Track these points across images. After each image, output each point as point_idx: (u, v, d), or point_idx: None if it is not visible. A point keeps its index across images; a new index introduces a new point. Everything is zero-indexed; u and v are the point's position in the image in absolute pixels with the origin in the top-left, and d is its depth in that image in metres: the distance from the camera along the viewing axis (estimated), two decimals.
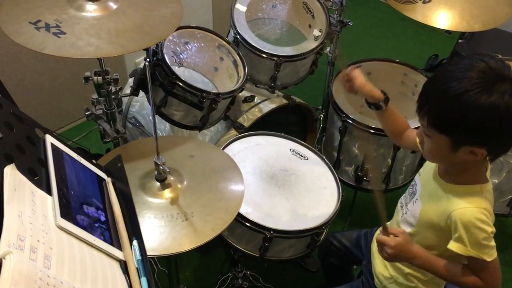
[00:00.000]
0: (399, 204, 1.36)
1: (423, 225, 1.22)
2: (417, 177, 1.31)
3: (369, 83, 1.35)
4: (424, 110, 1.04)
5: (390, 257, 1.17)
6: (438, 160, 1.18)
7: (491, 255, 1.10)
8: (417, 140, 1.33)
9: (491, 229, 1.09)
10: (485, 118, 0.96)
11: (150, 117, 1.99)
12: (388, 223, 1.43)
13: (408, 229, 1.26)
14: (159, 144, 1.18)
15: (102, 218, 0.82)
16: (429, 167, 1.26)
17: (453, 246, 1.11)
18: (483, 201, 1.10)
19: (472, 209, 1.09)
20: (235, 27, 1.89)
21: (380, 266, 1.37)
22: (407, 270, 1.29)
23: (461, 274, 1.15)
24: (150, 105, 1.47)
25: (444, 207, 1.14)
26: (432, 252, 1.22)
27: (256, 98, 1.99)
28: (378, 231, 1.46)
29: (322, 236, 1.61)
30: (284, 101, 1.99)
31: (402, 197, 1.36)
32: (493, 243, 1.10)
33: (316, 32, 1.99)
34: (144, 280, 0.73)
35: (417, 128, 1.62)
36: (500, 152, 1.07)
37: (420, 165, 1.38)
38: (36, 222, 0.65)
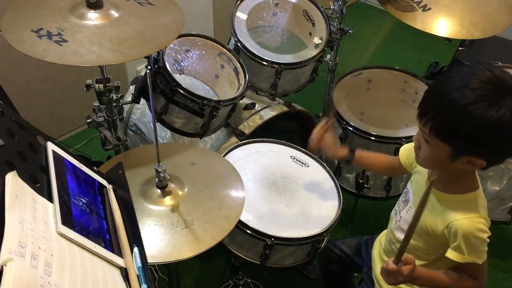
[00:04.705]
0: (393, 212, 1.37)
1: (417, 233, 1.21)
2: (409, 185, 1.31)
3: (334, 146, 1.46)
4: (427, 117, 1.03)
5: (400, 283, 1.15)
6: (432, 167, 1.18)
7: (482, 258, 1.12)
8: (400, 158, 1.35)
9: (487, 234, 1.11)
10: (492, 131, 0.96)
11: (151, 125, 2.00)
12: (384, 231, 1.44)
13: (402, 236, 1.26)
14: (160, 151, 1.18)
15: (103, 225, 0.82)
16: (420, 174, 1.26)
17: (451, 254, 1.12)
18: (478, 209, 1.11)
19: (470, 220, 1.10)
20: (236, 35, 1.90)
21: None
22: None
23: (460, 281, 1.17)
24: (151, 112, 1.48)
25: (440, 217, 1.14)
26: (426, 256, 1.23)
27: (256, 105, 1.99)
28: (381, 235, 1.46)
29: (323, 243, 1.60)
30: (285, 109, 2.00)
31: (396, 204, 1.36)
32: (486, 247, 1.12)
33: (316, 40, 1.99)
34: (144, 287, 0.73)
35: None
36: (496, 163, 1.08)
37: None
38: (37, 229, 0.65)
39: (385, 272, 1.14)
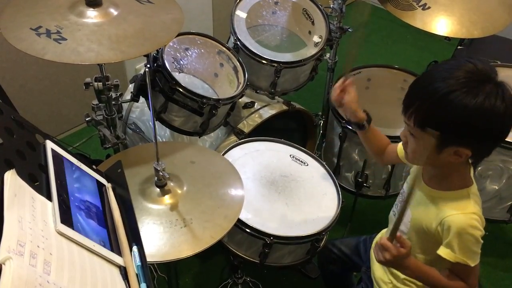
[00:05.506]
0: (391, 213, 1.37)
1: (415, 232, 1.22)
2: (405, 185, 1.32)
3: (356, 103, 1.36)
4: (411, 110, 1.04)
5: (385, 262, 1.13)
6: (421, 162, 1.18)
7: (475, 261, 1.11)
8: (398, 148, 1.35)
9: (481, 233, 1.10)
10: (471, 118, 0.98)
11: (150, 123, 2.00)
12: (384, 230, 1.44)
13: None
14: (159, 150, 1.18)
15: (102, 224, 0.82)
16: (415, 174, 1.26)
17: (442, 251, 1.12)
18: (472, 205, 1.11)
19: (463, 216, 1.09)
20: (235, 33, 1.90)
21: (379, 271, 1.37)
22: (403, 275, 1.29)
23: (447, 281, 1.16)
24: (150, 111, 1.48)
25: (433, 214, 1.14)
26: (423, 256, 1.23)
27: (256, 104, 1.99)
28: (379, 235, 1.46)
29: (322, 242, 1.60)
30: (284, 107, 2.00)
31: (394, 205, 1.36)
32: (479, 249, 1.11)
33: (316, 39, 1.99)
34: (143, 286, 0.73)
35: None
36: (484, 154, 1.09)
37: None
38: (36, 227, 0.65)
39: (377, 247, 1.13)
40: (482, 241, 1.10)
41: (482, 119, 0.97)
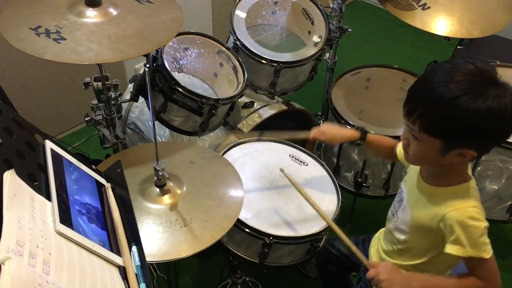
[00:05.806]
0: (389, 213, 1.36)
1: (416, 231, 1.22)
2: (402, 184, 1.31)
3: (336, 130, 1.48)
4: (415, 115, 1.03)
5: (388, 282, 1.16)
6: (424, 163, 1.19)
7: (488, 252, 1.10)
8: (397, 150, 1.36)
9: (484, 224, 1.10)
10: (481, 121, 0.97)
11: (150, 123, 1.99)
12: (382, 229, 1.44)
13: (402, 236, 1.27)
14: (158, 149, 1.18)
15: (102, 224, 0.82)
16: (413, 172, 1.26)
17: (450, 249, 1.11)
18: (471, 199, 1.12)
19: (463, 209, 1.10)
20: (235, 33, 1.90)
21: None
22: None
23: (459, 282, 1.15)
24: (149, 110, 1.48)
25: (434, 211, 1.15)
26: (427, 253, 1.23)
27: (255, 104, 1.99)
28: (377, 234, 1.46)
29: (322, 242, 1.60)
30: (284, 107, 2.00)
31: (392, 204, 1.36)
32: (487, 239, 1.10)
33: (315, 38, 1.99)
34: (143, 286, 0.73)
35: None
36: (487, 151, 1.09)
37: None
38: (35, 227, 0.65)
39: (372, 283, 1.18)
40: (486, 231, 1.09)
41: (491, 120, 0.97)
